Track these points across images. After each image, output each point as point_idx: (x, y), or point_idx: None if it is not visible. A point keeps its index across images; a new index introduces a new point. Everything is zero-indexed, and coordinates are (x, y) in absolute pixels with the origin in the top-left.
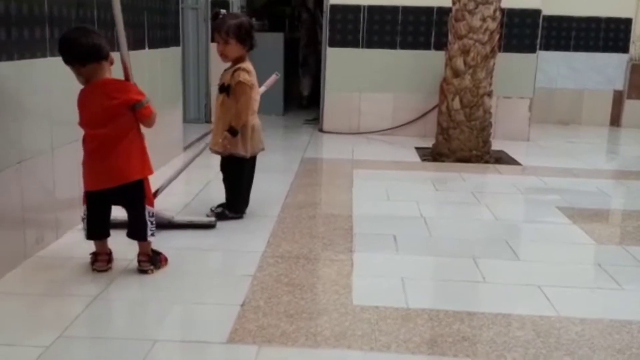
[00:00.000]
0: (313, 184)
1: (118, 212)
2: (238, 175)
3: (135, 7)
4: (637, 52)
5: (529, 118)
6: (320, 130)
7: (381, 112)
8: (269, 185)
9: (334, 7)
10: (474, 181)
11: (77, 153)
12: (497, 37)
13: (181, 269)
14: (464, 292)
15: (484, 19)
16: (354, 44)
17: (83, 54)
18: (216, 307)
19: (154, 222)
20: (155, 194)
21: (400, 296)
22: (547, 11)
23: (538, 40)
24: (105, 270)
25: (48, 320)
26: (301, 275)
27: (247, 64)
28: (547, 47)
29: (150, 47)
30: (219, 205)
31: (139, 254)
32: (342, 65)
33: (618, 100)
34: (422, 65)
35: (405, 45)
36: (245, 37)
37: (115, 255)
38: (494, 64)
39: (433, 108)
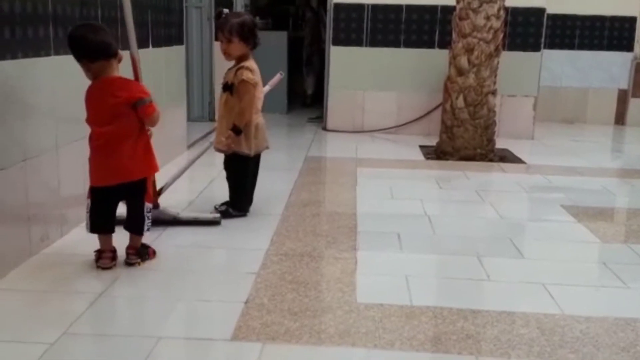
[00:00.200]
0: (317, 182)
1: (119, 210)
2: (241, 173)
3: (139, 6)
4: None
5: (533, 116)
6: (324, 128)
7: (385, 110)
8: (272, 184)
9: (337, 6)
10: (478, 179)
11: (81, 151)
12: (501, 35)
13: (185, 267)
14: (468, 290)
15: (488, 18)
16: (358, 42)
17: (92, 51)
18: (220, 305)
19: (149, 217)
20: (160, 191)
21: (404, 294)
22: (551, 10)
23: (542, 39)
24: (109, 268)
25: (52, 318)
26: (305, 273)
27: (251, 63)
28: (551, 45)
29: (154, 46)
30: (223, 204)
31: (128, 247)
32: (345, 64)
33: (623, 98)
34: (426, 64)
35: (409, 44)
36: (248, 35)
37: (120, 253)
38: (498, 62)
39: (437, 106)
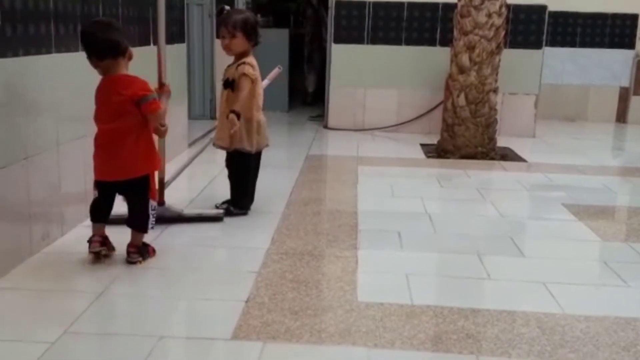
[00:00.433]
0: (318, 181)
1: (119, 208)
2: (243, 171)
3: (141, 3)
4: None
5: (534, 114)
6: (325, 126)
7: (386, 108)
8: (273, 182)
9: (339, 3)
10: (479, 178)
11: (83, 149)
12: (502, 33)
13: (186, 265)
14: (469, 289)
15: (489, 15)
16: (359, 40)
17: (100, 49)
18: (221, 304)
19: (154, 215)
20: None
21: (404, 293)
22: (553, 7)
23: (544, 37)
24: (98, 252)
25: (53, 316)
26: (306, 271)
27: (251, 59)
28: (552, 43)
29: (155, 43)
30: (224, 202)
31: (129, 245)
32: (347, 62)
33: (624, 96)
34: (428, 62)
35: (410, 42)
36: (251, 32)
37: (121, 252)
38: (499, 60)
39: (438, 104)
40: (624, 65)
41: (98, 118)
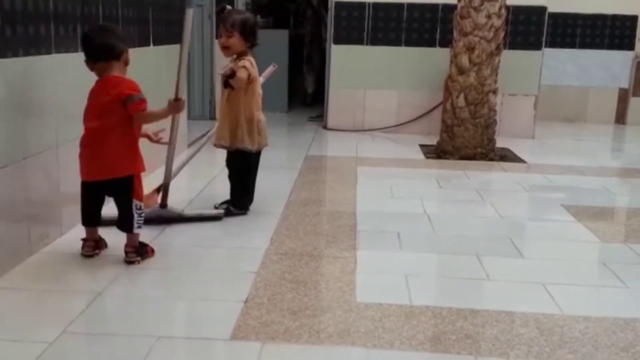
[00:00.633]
0: (317, 181)
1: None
2: (245, 170)
3: (140, 3)
4: None
5: (534, 115)
6: (325, 127)
7: (386, 109)
8: (272, 183)
9: (338, 4)
10: (478, 179)
11: None
12: (502, 34)
13: (184, 265)
14: (468, 290)
15: (489, 16)
16: (359, 41)
17: (93, 52)
18: (220, 304)
19: (142, 215)
20: (158, 190)
21: (403, 293)
22: (552, 8)
23: (543, 38)
24: (92, 256)
25: (52, 316)
26: (305, 272)
27: (250, 58)
28: (552, 44)
29: (155, 44)
30: (223, 202)
31: (126, 245)
32: (346, 63)
33: (623, 97)
34: (427, 63)
35: (410, 43)
36: (249, 32)
37: (119, 252)
38: (499, 61)
39: (438, 105)
40: (623, 67)
41: (85, 117)
